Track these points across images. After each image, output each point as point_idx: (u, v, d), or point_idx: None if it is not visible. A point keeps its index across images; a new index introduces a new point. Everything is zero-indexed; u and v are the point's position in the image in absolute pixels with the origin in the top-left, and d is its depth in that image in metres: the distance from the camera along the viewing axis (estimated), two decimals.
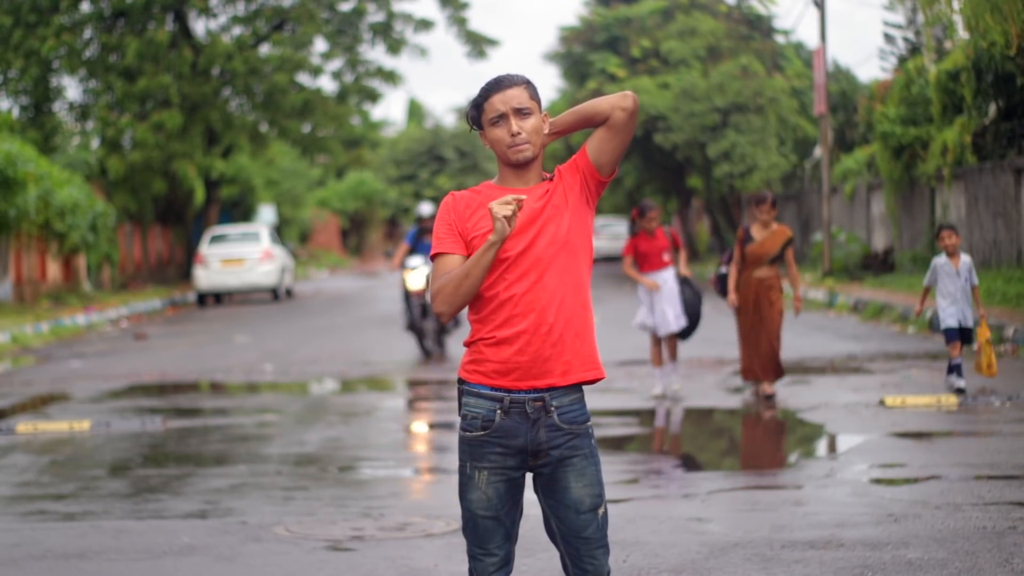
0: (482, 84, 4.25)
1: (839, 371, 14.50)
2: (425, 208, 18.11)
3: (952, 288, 11.93)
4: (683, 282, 12.87)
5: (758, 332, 12.21)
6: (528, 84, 4.22)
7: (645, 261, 12.71)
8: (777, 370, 12.27)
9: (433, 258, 4.21)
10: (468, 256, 4.17)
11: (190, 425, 12.17)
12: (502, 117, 4.17)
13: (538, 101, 4.23)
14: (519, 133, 4.16)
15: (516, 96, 4.18)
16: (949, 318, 11.95)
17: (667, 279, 12.72)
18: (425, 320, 17.12)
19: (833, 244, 28.72)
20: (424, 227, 17.83)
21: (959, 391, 11.84)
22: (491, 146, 4.22)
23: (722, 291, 12.53)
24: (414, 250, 17.62)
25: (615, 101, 4.19)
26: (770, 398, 12.24)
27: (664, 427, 11.39)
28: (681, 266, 13.01)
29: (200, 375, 16.12)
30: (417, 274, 17.33)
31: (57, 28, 33.76)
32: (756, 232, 12.22)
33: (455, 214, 4.22)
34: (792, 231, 12.51)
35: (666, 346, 12.88)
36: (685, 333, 12.97)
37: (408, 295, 17.43)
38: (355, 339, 20.04)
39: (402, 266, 17.56)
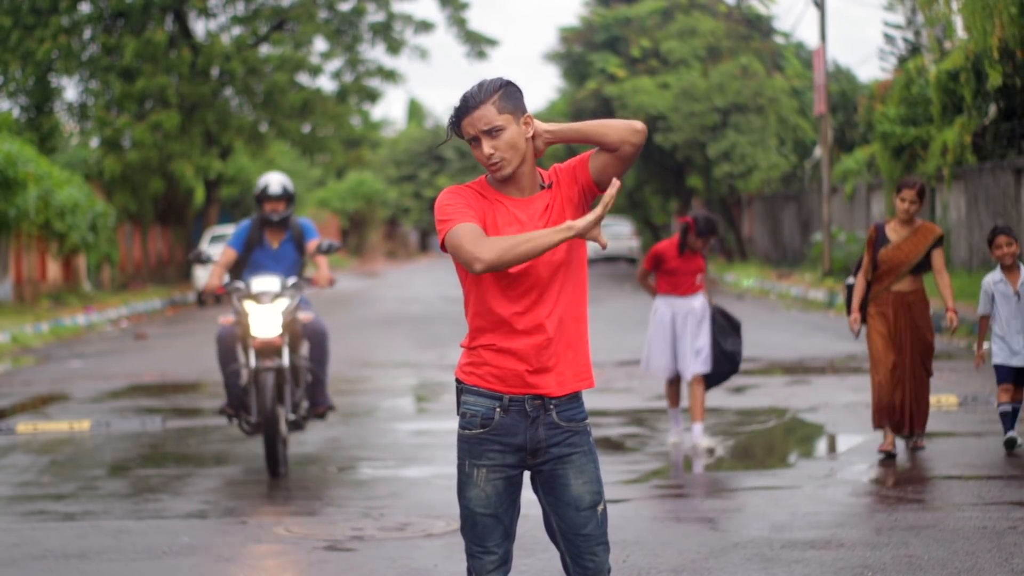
0: (460, 95, 4.19)
1: (839, 371, 14.50)
2: (273, 180, 9.87)
3: (1006, 313, 9.38)
4: (717, 312, 10.20)
5: (901, 366, 9.28)
6: (500, 93, 4.12)
7: (672, 281, 10.12)
8: (925, 417, 9.43)
9: (443, 238, 4.06)
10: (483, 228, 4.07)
11: (190, 425, 12.16)
12: (474, 139, 4.14)
13: (512, 111, 4.12)
14: (492, 154, 4.12)
15: (483, 117, 4.10)
16: (999, 353, 9.41)
17: (695, 307, 10.13)
18: (280, 404, 9.43)
19: (833, 244, 28.73)
20: (270, 216, 9.81)
21: (1007, 444, 9.39)
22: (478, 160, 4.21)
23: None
24: (244, 261, 9.87)
25: (624, 135, 4.11)
26: (917, 449, 9.56)
27: (664, 428, 11.39)
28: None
29: (200, 375, 16.11)
30: (270, 312, 9.43)
31: (56, 29, 33.76)
32: (893, 231, 9.28)
33: (471, 202, 4.15)
34: (942, 229, 9.66)
35: (693, 394, 10.11)
36: (719, 378, 10.22)
37: (233, 349, 9.59)
38: (355, 339, 20.02)
39: (229, 290, 9.57)
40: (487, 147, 4.11)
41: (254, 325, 9.39)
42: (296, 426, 9.82)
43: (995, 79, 18.99)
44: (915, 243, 9.20)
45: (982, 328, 9.43)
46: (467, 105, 4.12)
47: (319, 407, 9.92)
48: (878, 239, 9.27)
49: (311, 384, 9.86)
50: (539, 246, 3.99)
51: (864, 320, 9.40)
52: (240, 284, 9.54)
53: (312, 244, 9.86)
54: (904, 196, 9.14)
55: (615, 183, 4.01)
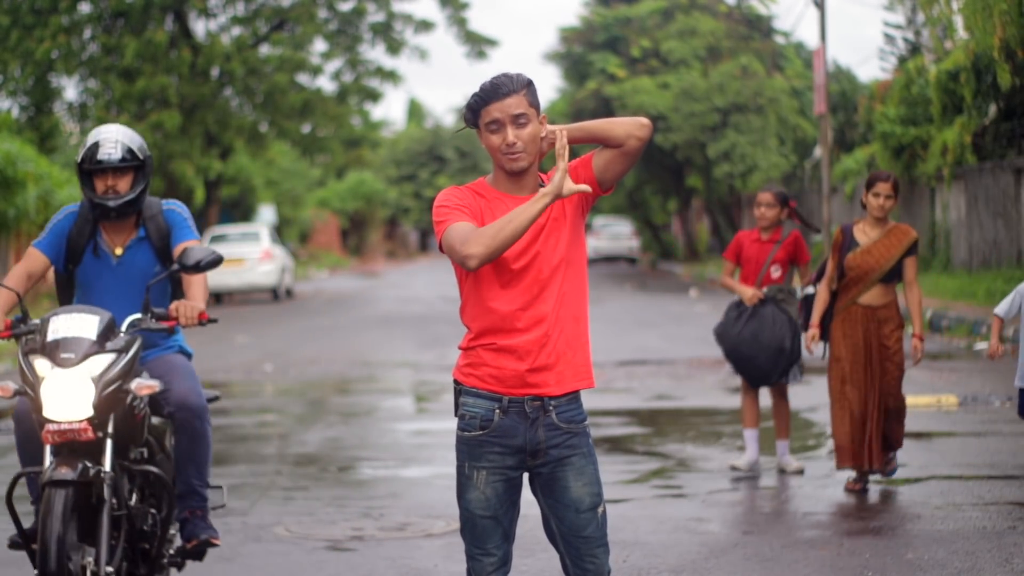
0: (482, 83, 4.19)
1: None
2: (107, 137, 5.80)
3: None
4: (772, 300, 8.78)
5: (864, 394, 8.12)
6: (528, 88, 4.15)
7: (743, 273, 8.94)
8: (889, 448, 8.21)
9: (440, 242, 4.06)
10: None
11: None
12: (498, 124, 4.13)
13: (537, 106, 4.17)
14: (515, 143, 4.11)
15: (514, 104, 4.11)
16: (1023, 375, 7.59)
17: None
18: (88, 545, 5.28)
19: None
20: (104, 202, 5.81)
21: None
22: (487, 150, 4.19)
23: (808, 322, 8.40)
24: (69, 280, 5.96)
25: (631, 129, 4.13)
26: (859, 488, 8.22)
27: (664, 428, 11.39)
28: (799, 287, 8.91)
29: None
30: (72, 381, 5.30)
31: (55, 29, 33.78)
32: (862, 233, 8.10)
33: (467, 202, 4.14)
34: (917, 232, 8.34)
35: (776, 407, 9.03)
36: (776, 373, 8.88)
37: (29, 435, 5.61)
38: (355, 339, 20.03)
39: (15, 334, 5.55)
40: (511, 134, 4.10)
41: (46, 402, 5.30)
42: (155, 570, 5.75)
43: (1005, 80, 18.97)
44: (888, 247, 8.02)
45: (995, 327, 7.60)
46: (499, 90, 4.11)
47: (192, 539, 5.91)
48: (845, 242, 8.08)
49: (179, 499, 5.88)
50: (523, 221, 3.97)
51: (824, 337, 8.23)
52: (35, 323, 5.51)
53: (178, 249, 5.80)
54: (879, 190, 7.96)
55: (561, 132, 4.02)
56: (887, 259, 8.02)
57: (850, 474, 8.33)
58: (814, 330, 8.14)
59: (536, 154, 4.17)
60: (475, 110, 4.16)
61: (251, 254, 31.82)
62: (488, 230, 3.98)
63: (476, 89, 4.19)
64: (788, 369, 8.76)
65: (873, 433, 8.06)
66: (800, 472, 8.79)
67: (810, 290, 8.35)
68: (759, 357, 8.69)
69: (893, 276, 8.10)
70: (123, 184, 5.79)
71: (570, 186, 3.99)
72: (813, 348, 8.23)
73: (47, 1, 33.96)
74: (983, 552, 6.65)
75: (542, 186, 4.20)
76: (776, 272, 8.79)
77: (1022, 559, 6.53)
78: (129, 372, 5.48)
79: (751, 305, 8.72)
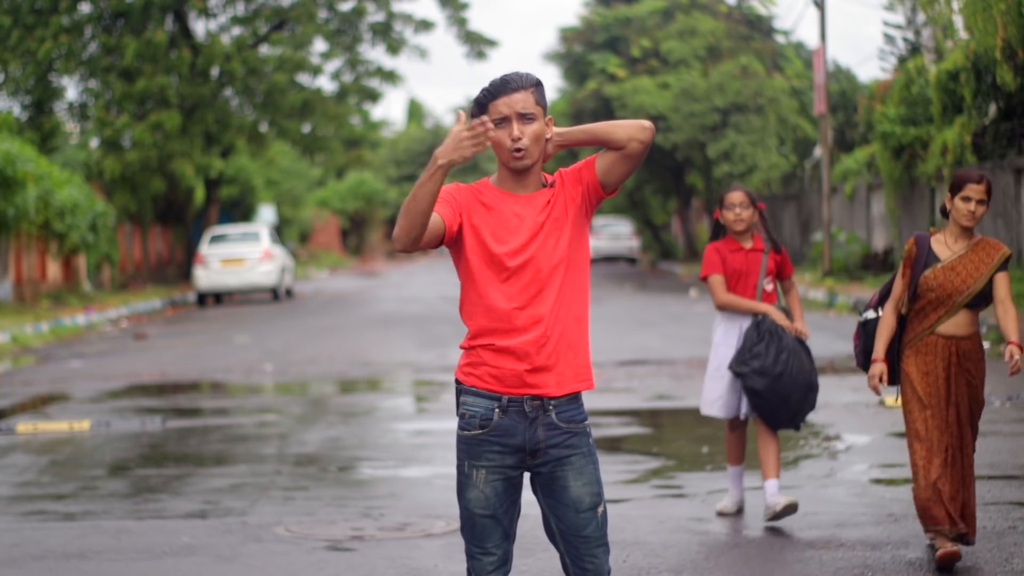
0: (490, 80, 4.21)
1: (839, 371, 14.50)
2: None
3: None
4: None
5: (952, 441, 6.40)
6: (537, 87, 4.18)
7: (731, 290, 7.54)
8: (974, 512, 6.49)
9: None
10: (450, 222, 4.13)
11: (190, 425, 12.16)
12: (504, 120, 4.14)
13: (544, 105, 4.18)
14: (520, 139, 4.13)
15: (521, 100, 4.13)
16: None
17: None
18: None
19: (833, 244, 28.74)
20: None
21: None
22: (492, 146, 4.20)
23: (867, 359, 6.64)
24: None
25: (632, 132, 4.13)
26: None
27: (664, 428, 11.39)
28: (796, 316, 7.50)
29: (200, 375, 16.11)
30: None
31: (56, 29, 33.80)
32: (943, 246, 6.44)
33: (458, 196, 4.19)
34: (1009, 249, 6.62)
35: (766, 444, 7.46)
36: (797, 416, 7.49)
37: None
38: (355, 339, 20.03)
39: None
40: (516, 130, 4.12)
41: None
42: None
43: (1007, 79, 18.94)
44: (977, 263, 6.37)
45: None
46: (508, 86, 4.14)
47: None
48: (921, 256, 6.39)
49: None
50: (420, 194, 3.96)
51: (891, 376, 6.58)
52: None
53: None
54: (969, 193, 6.31)
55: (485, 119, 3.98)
56: (975, 278, 6.35)
57: (938, 542, 6.42)
58: (881, 366, 6.46)
59: (540, 153, 4.18)
60: (483, 104, 4.17)
61: (251, 254, 31.83)
62: (400, 216, 4.02)
63: (485, 85, 4.21)
64: (813, 408, 7.51)
65: (958, 488, 6.42)
66: (793, 509, 7.32)
67: (870, 315, 6.64)
68: (792, 396, 7.34)
69: (980, 301, 6.43)
70: None
71: (464, 151, 3.92)
72: (880, 389, 6.52)
73: (48, 1, 33.97)
74: (983, 552, 6.65)
75: (544, 185, 4.21)
76: (769, 286, 7.53)
77: (1022, 559, 6.53)
78: None
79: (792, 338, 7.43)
